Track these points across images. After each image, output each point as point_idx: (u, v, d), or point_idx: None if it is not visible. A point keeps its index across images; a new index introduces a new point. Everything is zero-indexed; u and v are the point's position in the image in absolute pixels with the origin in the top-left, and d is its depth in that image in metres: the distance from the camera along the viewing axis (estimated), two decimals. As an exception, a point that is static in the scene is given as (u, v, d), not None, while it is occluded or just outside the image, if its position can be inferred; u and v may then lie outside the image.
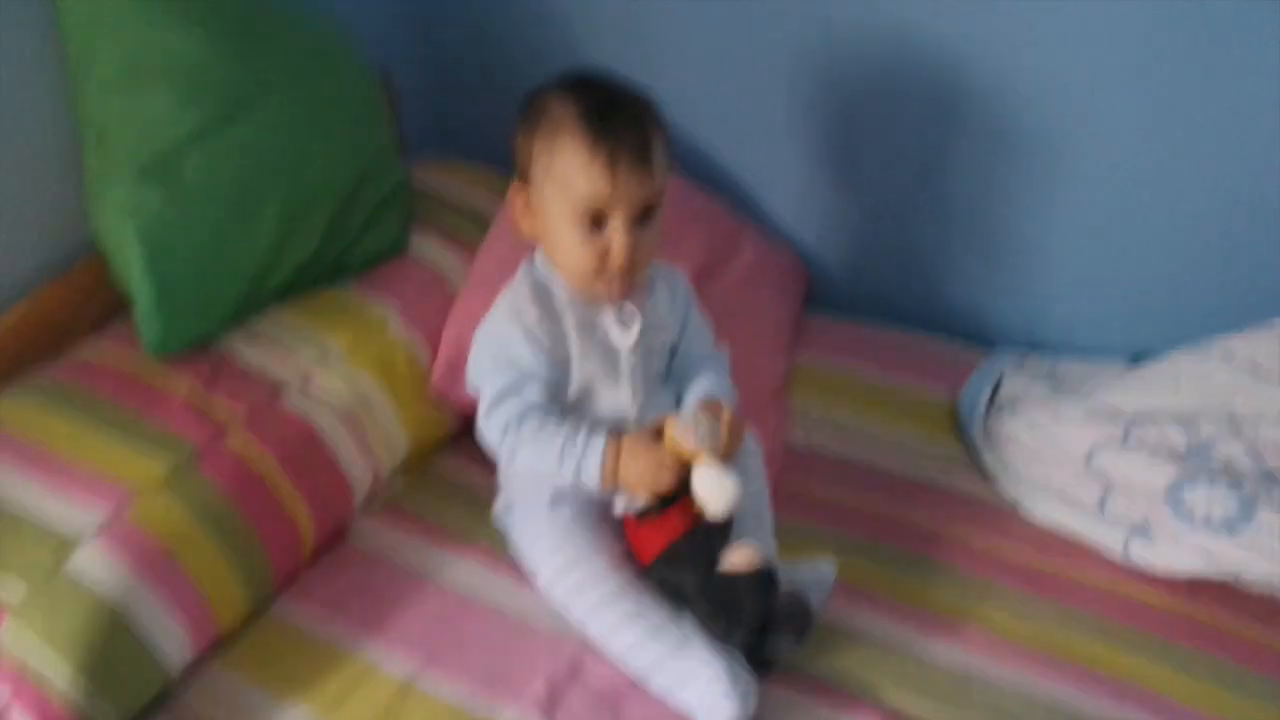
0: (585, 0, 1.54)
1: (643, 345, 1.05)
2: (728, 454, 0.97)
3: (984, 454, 1.26)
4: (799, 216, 1.57)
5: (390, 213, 1.29)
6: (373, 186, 1.26)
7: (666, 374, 1.12)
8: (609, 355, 1.04)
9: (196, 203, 1.08)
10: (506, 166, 1.42)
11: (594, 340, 1.03)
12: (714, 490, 0.94)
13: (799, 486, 1.22)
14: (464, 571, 1.10)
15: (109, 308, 1.15)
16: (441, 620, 1.04)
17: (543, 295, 1.03)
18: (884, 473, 1.26)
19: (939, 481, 1.24)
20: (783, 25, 1.42)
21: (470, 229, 1.36)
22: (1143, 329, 1.40)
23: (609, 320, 1.03)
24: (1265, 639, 1.03)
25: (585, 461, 0.97)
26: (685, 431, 0.96)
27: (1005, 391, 1.34)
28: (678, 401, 1.09)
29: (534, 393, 1.00)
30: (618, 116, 0.97)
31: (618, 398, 1.04)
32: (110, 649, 0.88)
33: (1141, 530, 1.11)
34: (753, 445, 1.11)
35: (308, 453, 1.07)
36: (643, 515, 0.98)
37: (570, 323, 1.02)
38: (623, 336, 1.02)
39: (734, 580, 0.95)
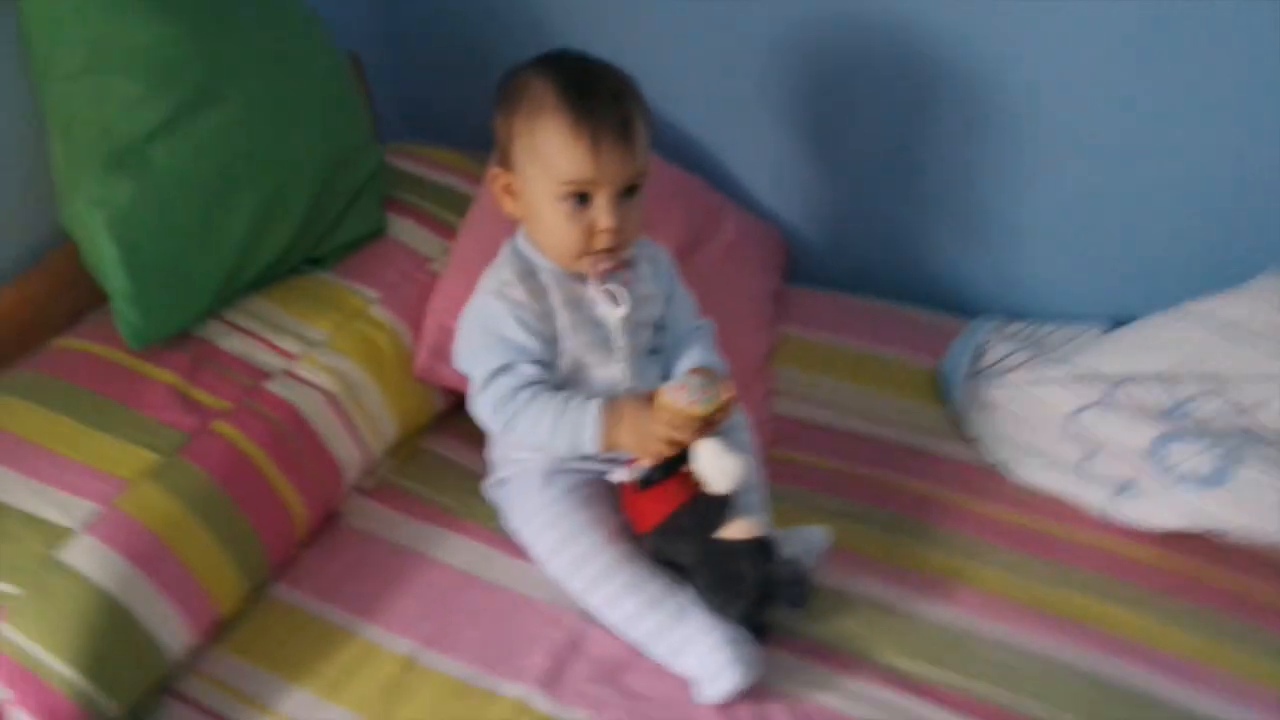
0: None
1: (631, 320, 1.05)
2: (722, 412, 0.97)
3: (968, 418, 1.28)
4: (778, 192, 1.57)
5: (367, 196, 1.28)
6: (349, 170, 1.25)
7: (653, 348, 1.12)
8: (598, 330, 1.04)
9: (168, 193, 1.06)
10: (479, 147, 1.42)
11: (582, 315, 1.03)
12: (717, 468, 0.95)
13: (788, 455, 1.23)
14: (460, 548, 1.10)
15: (89, 295, 1.12)
16: (439, 597, 1.04)
17: (527, 273, 1.03)
18: (871, 440, 1.27)
19: (925, 447, 1.26)
20: (758, 2, 1.41)
21: (448, 210, 1.35)
22: (1120, 294, 1.42)
23: (596, 295, 1.03)
24: (1246, 588, 1.06)
25: (580, 426, 0.97)
26: (677, 391, 0.96)
27: (987, 357, 1.35)
28: (665, 376, 1.10)
29: (526, 368, 1.00)
30: (598, 95, 0.97)
31: (609, 372, 1.05)
32: (108, 640, 0.88)
33: (1125, 487, 1.13)
34: (741, 418, 1.12)
35: (295, 437, 1.06)
36: (642, 484, 0.98)
37: (557, 299, 1.02)
38: (612, 311, 1.02)
39: (733, 549, 0.95)
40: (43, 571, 0.88)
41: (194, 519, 0.96)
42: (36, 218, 1.13)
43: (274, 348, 1.12)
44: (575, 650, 0.99)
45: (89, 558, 0.89)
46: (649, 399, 0.99)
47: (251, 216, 1.12)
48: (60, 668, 0.85)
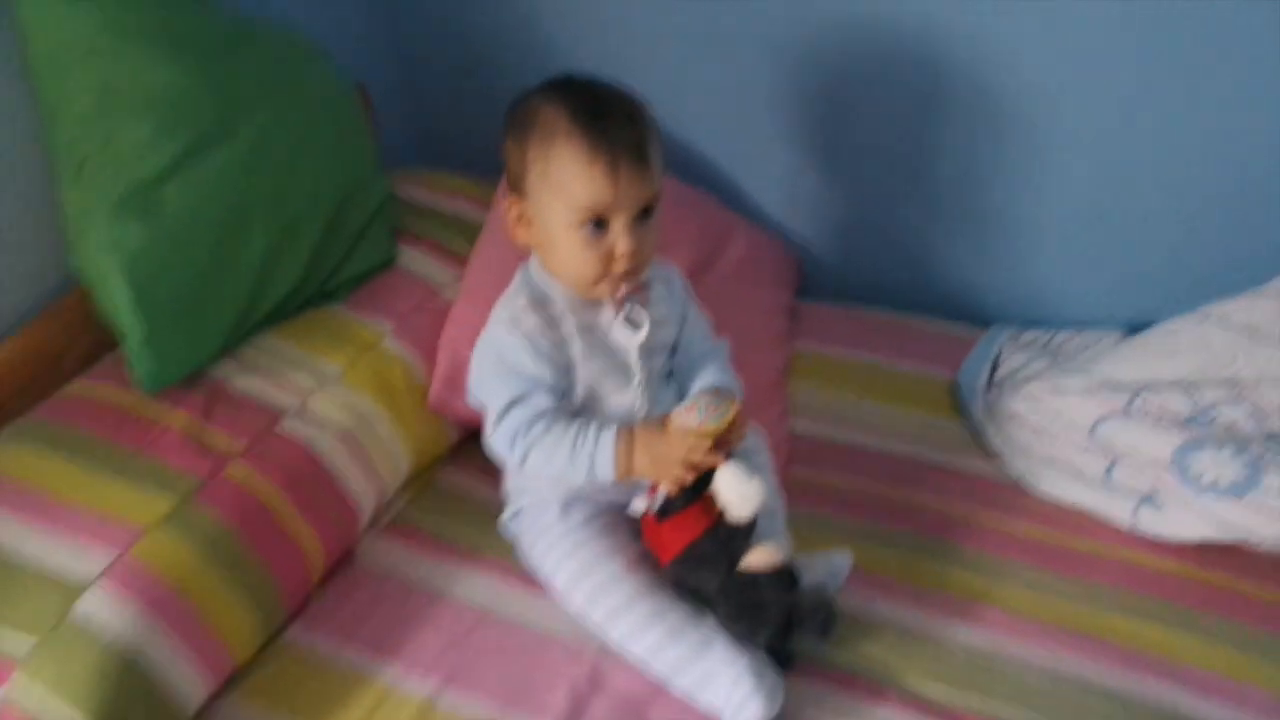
0: (559, 2, 1.52)
1: (647, 344, 1.04)
2: (735, 430, 0.96)
3: (987, 432, 1.27)
4: (787, 206, 1.56)
5: (377, 227, 1.28)
6: (358, 202, 1.24)
7: (669, 371, 1.11)
8: (613, 357, 1.03)
9: (180, 233, 1.06)
10: (487, 173, 1.41)
11: (596, 342, 1.02)
12: (738, 493, 0.94)
13: (806, 476, 1.22)
14: (476, 585, 1.09)
15: (99, 341, 1.12)
16: (458, 636, 1.03)
17: (541, 302, 1.02)
18: (890, 457, 1.26)
19: (945, 462, 1.24)
20: (762, 16, 1.41)
21: (457, 239, 1.35)
22: (1136, 299, 1.40)
23: (611, 322, 1.02)
24: (1278, 600, 1.04)
25: (598, 455, 0.96)
26: (687, 412, 0.95)
27: (1004, 368, 1.34)
28: (681, 397, 1.08)
29: (541, 399, 0.99)
30: (612, 118, 0.96)
31: (625, 399, 1.03)
32: (124, 694, 0.87)
33: (1149, 499, 1.11)
34: (759, 441, 1.11)
35: (310, 477, 1.06)
36: (662, 514, 0.97)
37: (571, 327, 1.01)
38: (631, 337, 1.01)
39: (756, 579, 0.94)
40: (58, 624, 0.88)
41: (210, 566, 0.95)
42: (47, 264, 1.13)
43: (287, 385, 1.11)
44: (597, 687, 0.97)
45: (104, 609, 0.89)
46: (663, 424, 0.98)
47: (263, 253, 1.12)
48: (79, 721, 0.85)
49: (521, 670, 0.99)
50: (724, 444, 0.96)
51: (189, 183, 1.06)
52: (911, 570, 1.09)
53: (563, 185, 0.95)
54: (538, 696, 0.97)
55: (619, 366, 1.03)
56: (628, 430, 0.98)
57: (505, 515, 1.12)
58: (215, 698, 0.97)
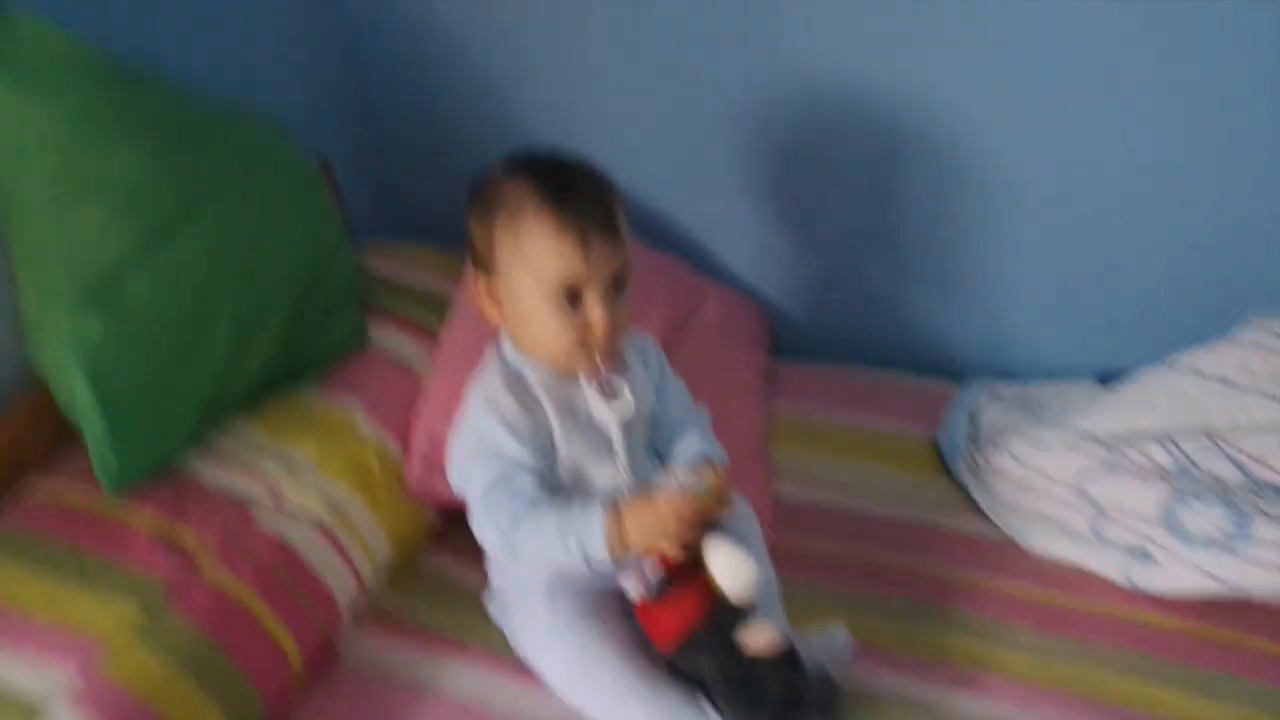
0: (520, 72, 1.52)
1: (625, 418, 1.02)
2: (719, 498, 0.94)
3: (973, 490, 1.26)
4: (755, 265, 1.57)
5: (346, 306, 1.25)
6: (326, 282, 1.22)
7: (651, 444, 1.09)
8: (594, 433, 1.01)
9: (142, 325, 1.02)
10: (454, 243, 1.39)
11: (575, 420, 1.00)
12: (733, 572, 0.91)
13: (794, 544, 1.20)
14: (465, 676, 1.04)
15: (60, 435, 1.07)
16: (449, 736, 0.98)
17: (516, 382, 1.00)
18: (877, 519, 1.24)
19: (933, 522, 1.23)
20: (720, 78, 1.42)
21: (428, 313, 1.32)
22: (1106, 348, 1.42)
23: (589, 398, 1.00)
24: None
25: (588, 536, 0.93)
26: (671, 480, 0.94)
27: (983, 423, 1.34)
28: (664, 468, 1.06)
29: (523, 483, 0.96)
30: (578, 190, 0.95)
31: (610, 475, 1.01)
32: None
33: (1141, 554, 1.11)
34: (747, 512, 1.09)
35: (286, 573, 1.01)
36: (655, 598, 0.94)
37: (549, 406, 0.99)
38: (611, 411, 0.99)
39: (756, 661, 0.91)
40: (21, 754, 0.82)
41: (182, 677, 0.89)
42: (3, 357, 1.08)
43: (258, 476, 1.07)
44: (597, 782, 0.93)
45: (70, 732, 0.83)
46: (648, 495, 0.96)
47: (230, 341, 1.08)
48: None
49: (517, 767, 0.95)
50: (712, 510, 0.94)
51: (150, 271, 1.02)
52: (910, 639, 1.07)
53: (534, 261, 0.94)
54: (536, 796, 0.92)
55: (600, 443, 1.00)
56: (614, 507, 0.95)
57: (491, 603, 1.09)
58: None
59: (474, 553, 1.10)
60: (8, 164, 1.00)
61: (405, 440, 1.18)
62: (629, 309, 1.00)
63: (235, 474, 1.07)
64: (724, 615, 0.93)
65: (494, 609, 1.08)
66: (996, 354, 1.50)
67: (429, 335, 1.29)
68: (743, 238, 1.55)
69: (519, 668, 1.03)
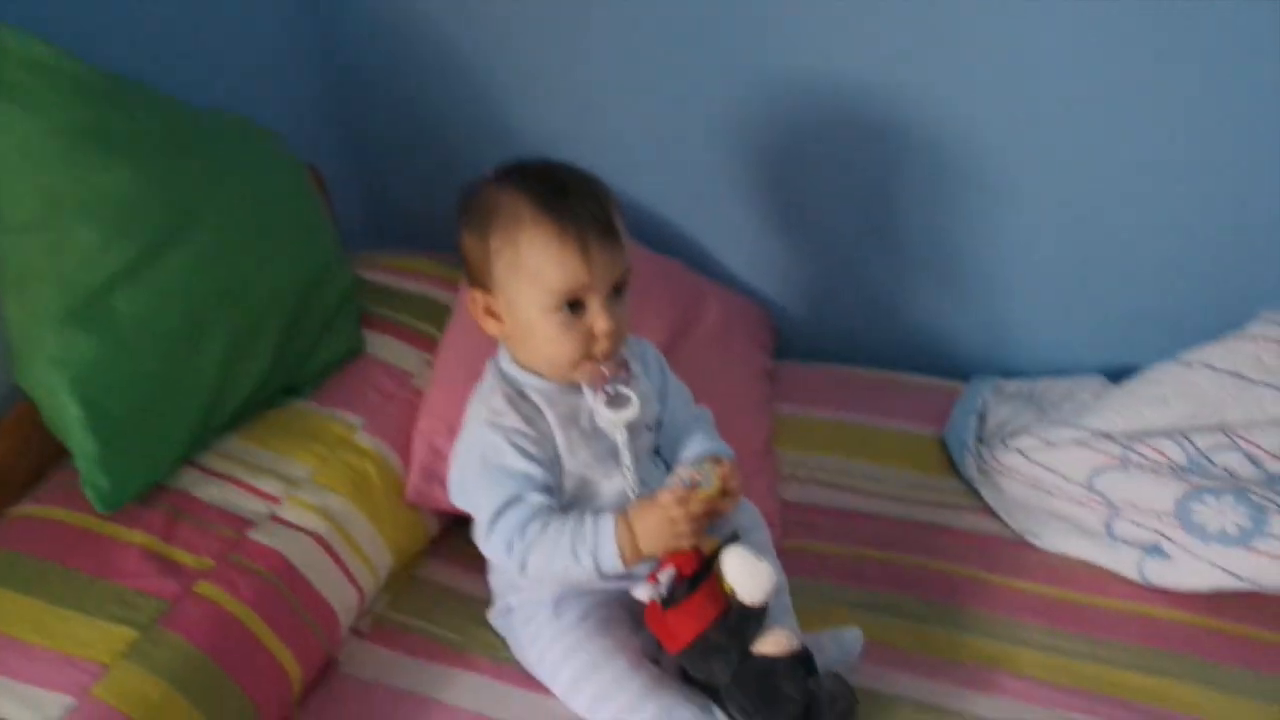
0: (512, 77, 1.50)
1: (631, 425, 1.00)
2: (728, 491, 0.93)
3: (981, 488, 1.24)
4: (757, 267, 1.55)
5: (343, 316, 1.23)
6: (321, 293, 1.19)
7: (656, 449, 1.07)
8: (600, 443, 0.99)
9: (133, 344, 0.99)
10: (448, 249, 1.37)
11: (580, 431, 0.98)
12: (748, 575, 0.90)
13: (802, 545, 1.19)
14: (470, 687, 1.03)
15: (49, 456, 1.05)
16: (454, 750, 0.96)
17: (517, 396, 0.98)
18: (886, 519, 1.23)
19: (944, 522, 1.22)
20: (717, 80, 1.40)
21: (425, 321, 1.31)
22: (1112, 344, 1.40)
23: (594, 407, 0.98)
24: (1295, 644, 1.02)
25: (600, 546, 0.92)
26: (677, 480, 0.93)
27: (991, 421, 1.32)
28: (670, 473, 1.05)
29: (533, 498, 0.95)
30: (574, 197, 0.94)
31: (617, 483, 0.99)
32: None
33: (1154, 550, 1.09)
34: (757, 518, 1.07)
35: (286, 589, 0.99)
36: (667, 602, 0.92)
37: (552, 419, 0.97)
38: (617, 417, 0.97)
39: (771, 666, 0.90)
40: (15, 784, 0.80)
41: (180, 698, 0.87)
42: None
43: (255, 491, 1.05)
44: (607, 795, 0.91)
45: (67, 760, 0.81)
46: (655, 499, 0.94)
47: (223, 357, 1.06)
48: None
49: (523, 782, 0.93)
50: (718, 504, 0.93)
51: (141, 288, 1.00)
52: (923, 640, 1.06)
53: (535, 272, 0.92)
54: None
55: (606, 451, 0.99)
56: (623, 514, 0.93)
57: (493, 612, 1.07)
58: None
59: (474, 560, 1.08)
60: (-9, 186, 0.98)
61: (404, 450, 1.16)
62: (628, 314, 0.98)
63: (231, 490, 1.05)
64: (739, 620, 0.92)
65: (497, 619, 1.06)
66: (1000, 351, 1.48)
67: (426, 342, 1.27)
68: (742, 239, 1.53)
69: (525, 678, 1.02)
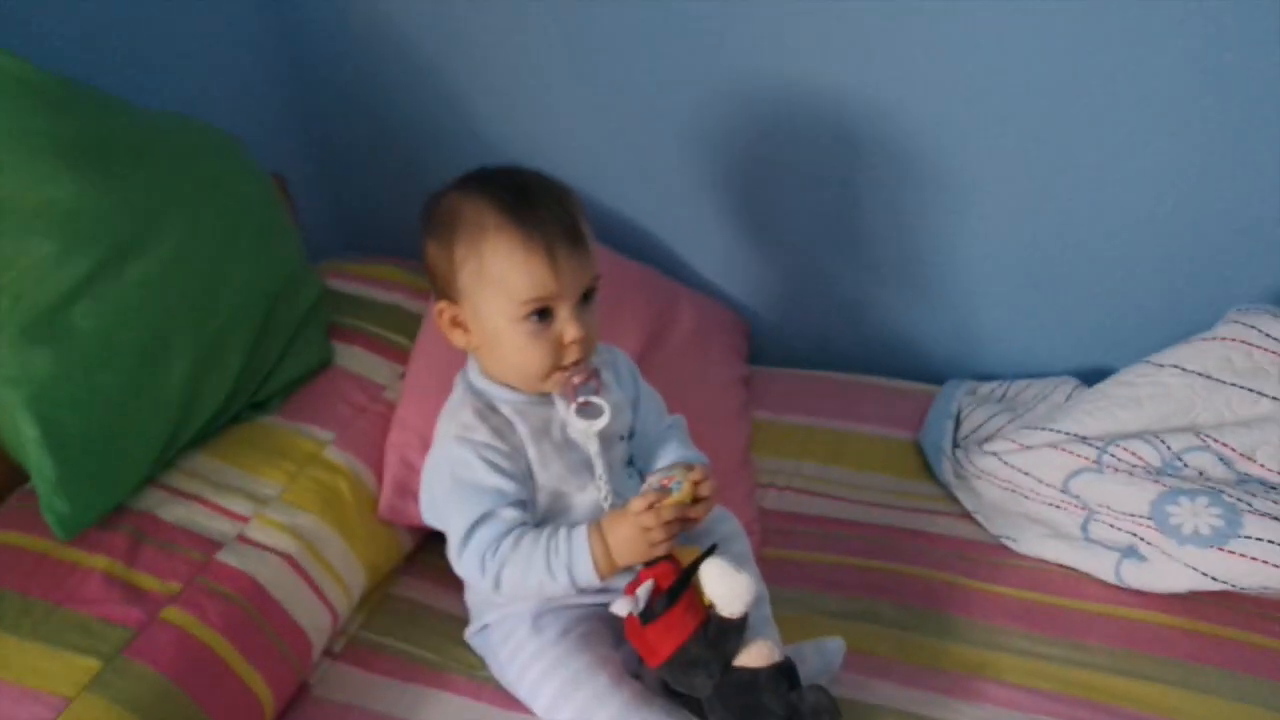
0: (479, 83, 1.48)
1: (605, 433, 0.98)
2: (698, 502, 0.92)
3: (958, 492, 1.25)
4: (727, 273, 1.54)
5: (310, 326, 1.20)
6: (288, 302, 1.17)
7: (629, 459, 1.06)
8: (573, 454, 0.97)
9: (92, 360, 0.95)
10: (416, 256, 1.35)
11: (552, 443, 0.97)
12: (727, 587, 0.88)
13: (782, 554, 1.18)
14: (447, 708, 1.01)
15: (6, 478, 1.01)
16: (432, 775, 0.94)
17: (487, 410, 0.96)
18: (864, 525, 1.22)
19: (922, 527, 1.22)
20: (684, 85, 1.39)
21: (394, 331, 1.28)
22: (1083, 347, 1.41)
23: (565, 417, 0.97)
24: (1274, 645, 1.03)
25: (574, 559, 0.91)
26: (648, 490, 0.92)
27: (966, 425, 1.33)
28: (643, 483, 1.03)
29: (506, 513, 0.93)
30: (539, 204, 0.92)
31: (590, 495, 0.98)
32: None
33: (1130, 551, 1.10)
34: (737, 526, 1.06)
35: (255, 612, 0.96)
36: (646, 617, 0.91)
37: (524, 432, 0.96)
38: (589, 426, 0.96)
39: (754, 679, 0.89)
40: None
41: (148, 730, 0.84)
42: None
43: (222, 511, 1.01)
44: (591, 816, 0.90)
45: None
46: (624, 509, 0.93)
47: (187, 372, 1.02)
48: None
49: (506, 806, 0.91)
50: (695, 507, 0.92)
51: (101, 302, 0.96)
52: (903, 647, 1.05)
53: (501, 280, 0.90)
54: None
55: (580, 463, 0.97)
56: (596, 526, 0.92)
57: (470, 631, 1.05)
58: None
59: (450, 576, 1.05)
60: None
61: (377, 465, 1.14)
62: (598, 321, 0.97)
63: (197, 509, 1.01)
64: (718, 632, 0.91)
65: (475, 639, 1.04)
66: (973, 355, 1.49)
67: (397, 353, 1.25)
68: (713, 245, 1.53)
69: (504, 697, 1.00)
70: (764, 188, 1.45)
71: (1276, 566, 1.01)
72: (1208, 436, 1.13)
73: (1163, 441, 1.14)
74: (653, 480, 0.94)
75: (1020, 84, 1.26)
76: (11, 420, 0.93)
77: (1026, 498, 1.20)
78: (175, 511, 1.00)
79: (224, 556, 0.98)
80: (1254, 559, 1.01)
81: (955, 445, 1.30)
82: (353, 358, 1.23)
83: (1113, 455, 1.16)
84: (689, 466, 0.96)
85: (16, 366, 0.92)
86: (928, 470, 1.30)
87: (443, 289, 0.96)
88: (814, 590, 1.13)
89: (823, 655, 0.99)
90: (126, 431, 0.98)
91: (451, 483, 0.94)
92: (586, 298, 0.94)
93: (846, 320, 1.52)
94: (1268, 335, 1.15)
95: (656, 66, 1.39)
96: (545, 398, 0.97)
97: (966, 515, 1.22)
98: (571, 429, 0.96)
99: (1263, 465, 1.10)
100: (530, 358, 0.93)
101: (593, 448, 0.96)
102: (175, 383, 1.01)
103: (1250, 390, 1.14)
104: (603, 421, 0.95)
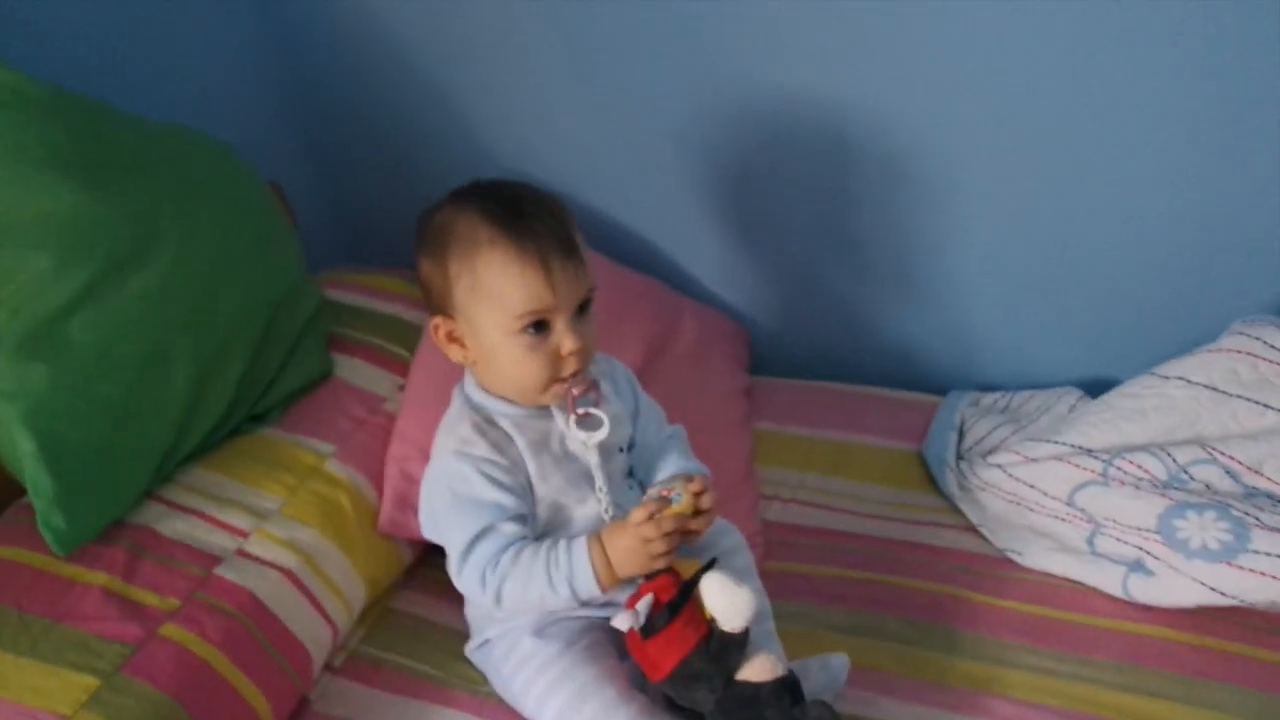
0: (476, 90, 1.47)
1: (605, 445, 0.98)
2: (699, 514, 0.92)
3: (962, 505, 1.24)
4: (728, 283, 1.54)
5: (310, 338, 1.19)
6: (288, 313, 1.16)
7: (629, 470, 1.05)
8: (572, 467, 0.97)
9: (90, 373, 0.95)
10: (414, 265, 1.35)
11: (551, 456, 0.96)
12: (728, 601, 0.88)
13: (785, 566, 1.17)
14: (448, 726, 1.00)
15: (4, 493, 1.00)
16: (433, 792, 0.93)
17: (485, 424, 0.96)
18: (868, 538, 1.21)
19: (926, 540, 1.21)
20: (679, 94, 1.38)
21: (394, 342, 1.27)
22: (1087, 358, 1.40)
23: (564, 429, 0.96)
24: (1279, 659, 1.02)
25: (575, 571, 0.90)
26: (645, 503, 0.91)
27: (970, 437, 1.32)
28: (644, 494, 1.03)
29: (506, 528, 0.92)
30: (532, 216, 0.92)
31: (591, 508, 0.97)
32: None
33: (1138, 566, 1.09)
34: (740, 539, 1.05)
35: (255, 628, 0.95)
36: (647, 631, 0.90)
37: (522, 445, 0.95)
38: (589, 438, 0.95)
39: (757, 694, 0.88)
40: None
41: (147, 751, 0.83)
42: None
43: (222, 525, 1.01)
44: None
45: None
46: (624, 521, 0.92)
47: (186, 384, 1.01)
48: None
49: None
50: (697, 520, 0.92)
51: (97, 315, 0.96)
52: (910, 663, 1.04)
53: (496, 294, 0.90)
54: None
55: (579, 475, 0.97)
56: (596, 538, 0.91)
57: (471, 646, 1.04)
58: None
59: (451, 589, 1.04)
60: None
61: (377, 478, 1.13)
62: (595, 331, 0.96)
63: (196, 524, 1.00)
64: (720, 646, 0.90)
65: (476, 654, 1.03)
66: (975, 365, 1.48)
67: (398, 365, 1.24)
68: (712, 255, 1.52)
69: (507, 712, 0.99)
70: (763, 199, 1.44)
71: (1284, 581, 1.00)
72: (1214, 449, 1.12)
73: (1169, 454, 1.13)
74: (653, 492, 0.94)
75: (1019, 94, 1.25)
76: (8, 434, 0.92)
77: (1032, 510, 1.19)
78: (174, 526, 0.99)
79: (223, 571, 0.97)
80: (1263, 574, 1.01)
81: (959, 457, 1.29)
82: (353, 369, 1.22)
83: (1118, 468, 1.15)
84: (689, 478, 0.95)
85: (13, 380, 0.91)
86: (931, 482, 1.29)
87: (437, 304, 0.96)
88: (818, 604, 1.12)
89: (828, 671, 0.98)
90: (125, 445, 0.97)
91: (450, 498, 0.93)
92: (583, 309, 0.94)
93: (847, 330, 1.51)
94: (1273, 347, 1.15)
95: (656, 76, 1.38)
96: (544, 410, 0.96)
97: (971, 528, 1.22)
98: (570, 441, 0.96)
99: (1270, 479, 1.10)
100: (528, 370, 0.92)
101: (593, 459, 0.95)
102: (174, 395, 1.01)
103: (1257, 403, 1.13)
104: (602, 433, 0.95)
